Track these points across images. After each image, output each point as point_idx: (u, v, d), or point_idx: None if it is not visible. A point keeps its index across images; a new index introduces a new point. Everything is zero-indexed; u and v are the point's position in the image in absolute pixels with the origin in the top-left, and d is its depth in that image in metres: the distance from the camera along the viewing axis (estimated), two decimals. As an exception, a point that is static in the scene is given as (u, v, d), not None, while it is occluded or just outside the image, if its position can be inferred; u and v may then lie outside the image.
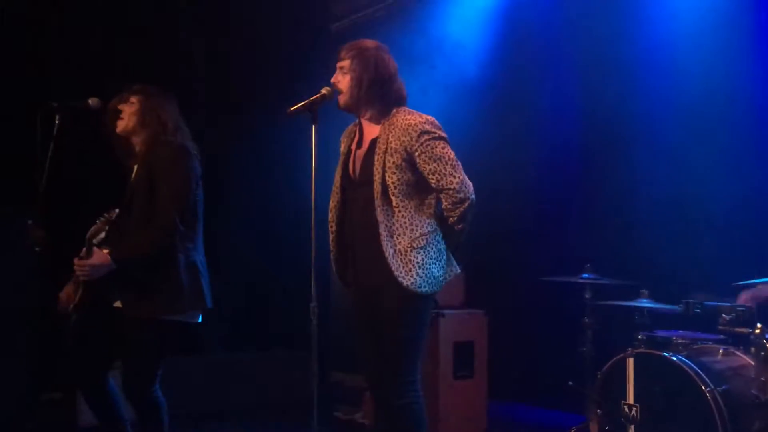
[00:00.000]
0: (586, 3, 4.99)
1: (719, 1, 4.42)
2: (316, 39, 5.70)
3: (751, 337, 3.36)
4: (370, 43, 2.96)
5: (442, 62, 5.63)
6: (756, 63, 4.28)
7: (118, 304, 3.13)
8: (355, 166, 2.97)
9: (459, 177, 2.83)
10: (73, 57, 5.06)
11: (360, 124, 3.02)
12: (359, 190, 2.92)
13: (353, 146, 3.01)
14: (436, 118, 2.93)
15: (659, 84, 4.66)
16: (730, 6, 4.39)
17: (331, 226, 3.02)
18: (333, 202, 3.02)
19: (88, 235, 3.08)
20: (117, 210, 3.12)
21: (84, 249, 3.01)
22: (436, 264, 2.87)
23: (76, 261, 3.01)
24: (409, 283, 2.80)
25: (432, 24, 5.75)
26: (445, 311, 4.64)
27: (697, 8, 4.50)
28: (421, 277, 2.82)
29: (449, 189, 2.82)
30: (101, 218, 3.12)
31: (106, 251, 3.02)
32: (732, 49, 4.35)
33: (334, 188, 3.03)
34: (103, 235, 3.08)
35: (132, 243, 3.06)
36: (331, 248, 3.05)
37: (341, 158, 3.05)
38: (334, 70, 2.98)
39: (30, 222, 2.99)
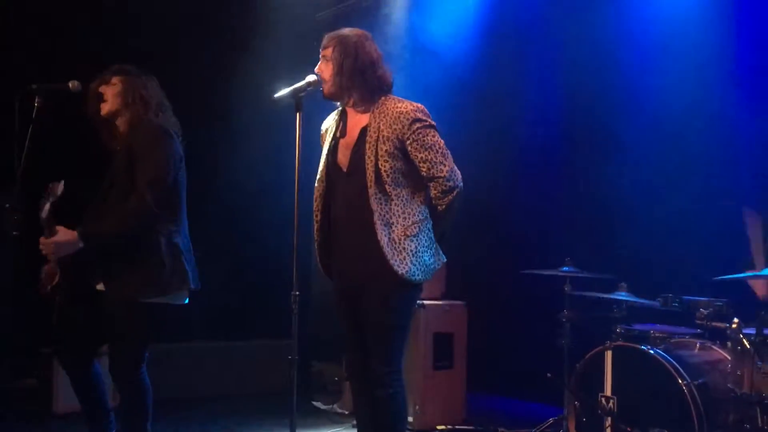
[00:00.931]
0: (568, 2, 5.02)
1: (698, 4, 4.48)
2: (301, 27, 5.66)
3: (728, 331, 3.41)
4: (351, 30, 2.97)
5: (425, 55, 5.63)
6: (729, 66, 4.35)
7: (101, 286, 3.11)
8: (343, 155, 2.95)
9: (449, 165, 2.86)
10: (53, 39, 4.99)
11: (344, 112, 3.01)
12: (349, 180, 2.92)
13: (337, 135, 3.00)
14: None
15: (639, 84, 4.72)
16: (709, 9, 4.44)
17: (316, 215, 3.01)
18: (318, 192, 3.01)
19: (39, 213, 3.03)
20: (61, 182, 3.06)
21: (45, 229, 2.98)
22: (427, 252, 2.88)
23: (41, 240, 2.99)
24: (404, 271, 2.81)
25: (416, 17, 5.75)
26: (426, 302, 4.65)
27: (678, 10, 4.55)
28: (415, 265, 2.83)
29: (439, 177, 2.84)
30: (45, 192, 3.06)
31: (75, 230, 2.99)
32: (708, 50, 4.40)
33: (318, 178, 3.02)
34: (47, 207, 3.01)
35: (103, 222, 3.03)
36: (315, 237, 3.04)
37: (325, 147, 3.03)
38: (318, 59, 2.97)
39: (7, 206, 2.95)
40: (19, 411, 4.55)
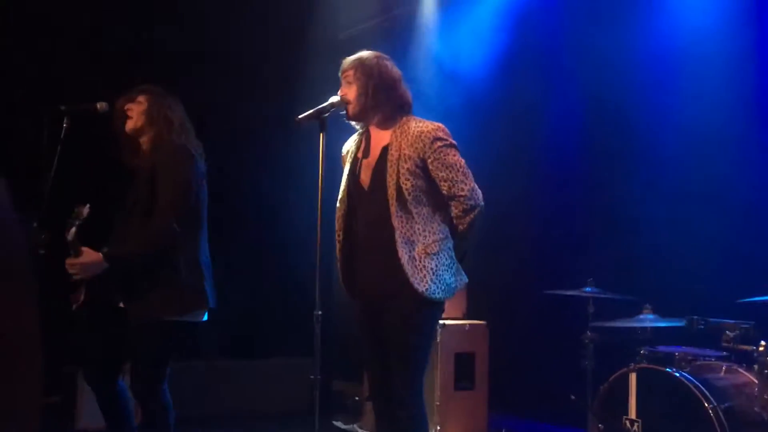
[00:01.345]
0: (591, 17, 5.01)
1: (722, 15, 4.45)
2: (324, 48, 5.71)
3: (755, 354, 3.36)
4: (369, 53, 3.02)
5: (446, 74, 5.65)
6: (758, 76, 4.30)
7: (122, 305, 3.15)
8: (365, 174, 2.97)
9: (470, 185, 2.88)
10: (81, 59, 5.08)
11: (367, 132, 3.03)
12: (370, 198, 2.93)
13: (359, 155, 3.02)
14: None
15: (663, 100, 4.68)
16: (732, 21, 4.41)
17: (338, 235, 3.03)
18: (340, 212, 3.03)
19: (66, 235, 3.08)
20: (87, 205, 3.11)
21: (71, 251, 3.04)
22: (448, 271, 2.89)
23: (67, 261, 3.05)
24: (423, 289, 2.81)
25: (437, 37, 5.78)
26: (447, 322, 4.63)
27: (701, 23, 4.53)
28: (435, 284, 2.84)
29: (460, 196, 2.86)
30: (72, 214, 3.11)
31: (101, 252, 3.04)
32: (733, 64, 4.37)
33: (340, 198, 3.03)
34: (74, 230, 3.06)
35: (127, 243, 3.09)
36: (338, 257, 3.05)
37: (347, 167, 3.05)
38: (338, 81, 3.01)
39: (35, 224, 3.00)
40: (42, 429, 4.57)
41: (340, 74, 3.00)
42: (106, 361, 3.19)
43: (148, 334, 3.06)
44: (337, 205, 3.04)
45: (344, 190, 3.03)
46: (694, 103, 4.48)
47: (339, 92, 2.97)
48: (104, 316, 3.19)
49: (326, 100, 2.95)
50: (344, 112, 2.97)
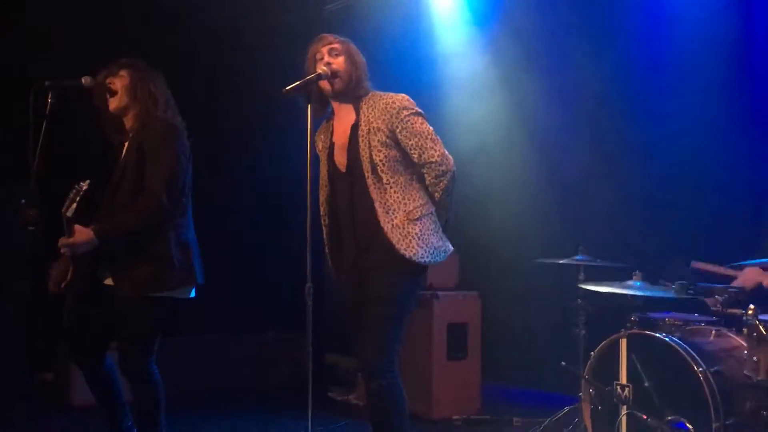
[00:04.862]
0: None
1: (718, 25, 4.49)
2: (309, 20, 5.65)
3: (744, 318, 3.37)
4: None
5: (430, 49, 5.65)
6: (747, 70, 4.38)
7: (109, 281, 3.13)
8: (340, 156, 3.01)
9: (440, 150, 2.93)
10: (64, 35, 5.01)
11: (332, 118, 3.06)
12: (349, 177, 2.97)
13: (333, 139, 3.04)
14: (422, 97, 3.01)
15: (655, 62, 4.71)
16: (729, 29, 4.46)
17: (324, 220, 3.07)
18: (323, 196, 3.07)
19: (63, 210, 3.05)
20: (87, 181, 3.08)
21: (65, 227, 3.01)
22: (434, 235, 2.93)
23: (61, 240, 3.02)
24: (411, 254, 2.85)
25: (423, 11, 5.75)
26: (440, 293, 4.65)
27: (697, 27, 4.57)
28: (422, 248, 2.87)
29: (431, 162, 2.92)
30: (72, 190, 3.08)
31: (90, 228, 3.01)
32: (722, 63, 4.45)
33: (321, 183, 3.07)
34: (74, 206, 3.04)
35: (118, 220, 3.06)
36: (326, 242, 3.09)
37: (323, 153, 3.08)
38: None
39: (23, 201, 2.98)
40: (37, 404, 4.60)
41: (322, 47, 2.99)
42: (92, 340, 3.18)
43: (136, 310, 3.05)
44: (319, 191, 3.08)
45: (324, 176, 3.07)
46: (687, 72, 4.55)
47: (322, 65, 2.96)
48: (90, 294, 3.17)
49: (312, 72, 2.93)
50: (328, 84, 2.95)
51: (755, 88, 4.38)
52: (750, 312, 3.32)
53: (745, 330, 3.38)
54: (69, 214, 3.03)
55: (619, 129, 4.87)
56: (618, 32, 4.87)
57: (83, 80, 3.18)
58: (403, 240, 2.86)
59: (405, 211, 2.89)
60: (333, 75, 2.95)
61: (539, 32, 5.29)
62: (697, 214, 4.39)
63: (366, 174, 2.90)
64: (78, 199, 3.04)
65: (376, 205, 2.88)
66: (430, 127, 2.96)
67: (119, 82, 3.18)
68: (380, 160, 2.89)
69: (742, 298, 3.47)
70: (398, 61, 5.26)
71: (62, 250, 3.04)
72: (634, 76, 4.82)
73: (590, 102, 5.05)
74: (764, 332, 3.24)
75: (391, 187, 2.90)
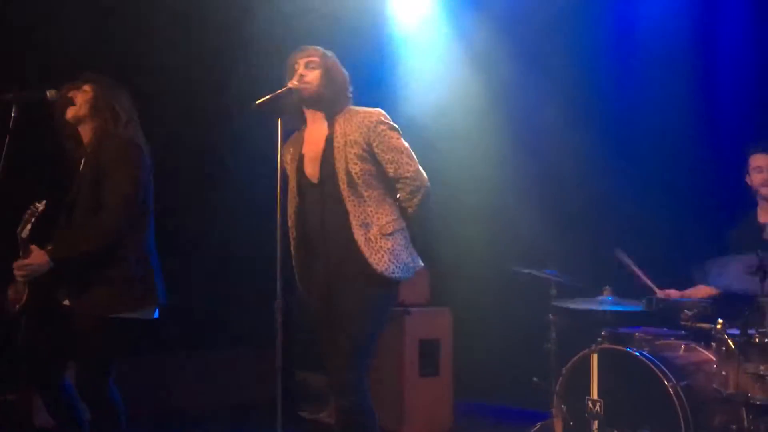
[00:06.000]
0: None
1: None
2: (285, 32, 5.61)
3: (713, 332, 3.41)
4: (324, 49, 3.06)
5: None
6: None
7: (67, 302, 3.03)
8: (312, 168, 2.98)
9: (414, 166, 2.96)
10: (30, 48, 4.92)
11: (304, 130, 3.04)
12: (321, 189, 2.95)
13: (303, 151, 3.02)
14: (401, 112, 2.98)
15: (624, 69, 4.83)
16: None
17: (292, 232, 3.04)
18: (291, 208, 3.04)
19: (18, 230, 2.96)
20: (44, 202, 2.99)
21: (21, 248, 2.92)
22: (405, 251, 2.93)
23: (15, 263, 2.93)
24: (383, 269, 2.84)
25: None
26: (411, 309, 4.63)
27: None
28: (393, 263, 2.87)
29: (406, 177, 2.93)
30: (28, 210, 2.98)
31: (46, 250, 2.91)
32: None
33: (290, 195, 3.04)
34: (29, 227, 2.95)
35: (73, 241, 2.97)
36: (293, 255, 3.05)
37: (292, 165, 3.05)
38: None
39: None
40: (0, 425, 4.48)
41: (300, 58, 2.98)
42: (49, 361, 3.08)
43: (96, 331, 2.95)
44: (288, 204, 3.04)
45: (293, 188, 3.04)
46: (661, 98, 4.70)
47: (294, 79, 2.95)
48: (47, 315, 3.06)
49: (283, 86, 2.92)
50: (301, 97, 2.94)
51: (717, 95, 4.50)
52: (719, 326, 3.36)
53: (713, 344, 3.42)
54: (24, 235, 2.93)
55: (591, 139, 4.91)
56: (587, 39, 4.93)
57: (48, 93, 3.10)
58: (375, 254, 2.85)
59: (378, 225, 2.89)
60: (306, 87, 2.93)
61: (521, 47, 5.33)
62: (668, 226, 4.45)
63: (341, 185, 2.89)
64: (33, 220, 2.95)
65: (351, 217, 2.87)
66: (406, 143, 2.97)
67: (81, 96, 3.11)
68: (356, 173, 2.89)
69: (711, 312, 3.50)
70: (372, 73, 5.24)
71: (16, 272, 2.95)
72: (603, 87, 4.90)
73: (563, 121, 5.09)
74: (732, 346, 3.27)
75: (366, 201, 2.90)
